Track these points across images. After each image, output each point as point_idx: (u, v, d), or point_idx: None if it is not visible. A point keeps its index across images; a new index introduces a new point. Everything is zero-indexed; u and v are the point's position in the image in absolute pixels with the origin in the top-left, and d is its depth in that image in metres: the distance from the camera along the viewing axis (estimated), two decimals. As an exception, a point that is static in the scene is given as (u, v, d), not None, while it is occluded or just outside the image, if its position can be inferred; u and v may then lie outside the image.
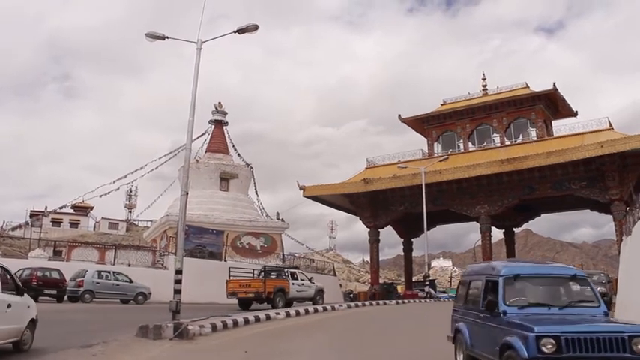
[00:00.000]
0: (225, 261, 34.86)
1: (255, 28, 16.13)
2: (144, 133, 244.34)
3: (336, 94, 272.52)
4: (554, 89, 41.92)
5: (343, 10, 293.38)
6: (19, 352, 8.92)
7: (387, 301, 30.87)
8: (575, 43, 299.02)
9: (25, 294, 9.46)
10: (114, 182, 46.91)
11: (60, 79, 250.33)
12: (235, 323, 14.84)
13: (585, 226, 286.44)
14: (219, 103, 50.57)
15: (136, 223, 76.92)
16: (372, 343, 12.32)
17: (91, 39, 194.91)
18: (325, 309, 22.23)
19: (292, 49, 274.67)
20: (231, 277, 23.95)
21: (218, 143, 49.66)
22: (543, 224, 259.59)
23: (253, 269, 25.41)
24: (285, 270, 25.57)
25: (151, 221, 60.55)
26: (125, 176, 47.73)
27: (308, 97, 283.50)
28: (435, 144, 47.32)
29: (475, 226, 43.91)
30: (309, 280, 26.29)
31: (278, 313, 18.07)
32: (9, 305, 8.29)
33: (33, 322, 9.47)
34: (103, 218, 73.59)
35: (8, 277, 8.84)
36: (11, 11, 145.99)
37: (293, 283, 24.48)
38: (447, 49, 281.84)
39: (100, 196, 46.59)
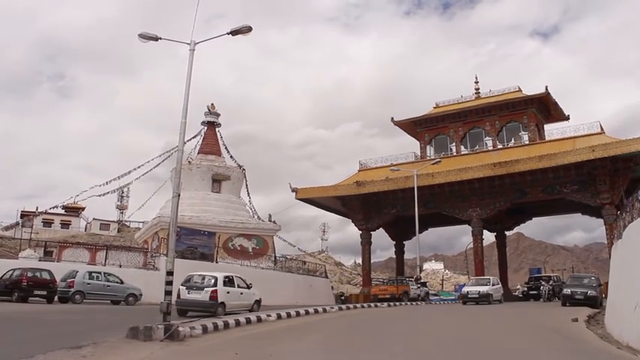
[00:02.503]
0: (216, 263, 34.82)
1: (249, 29, 16.13)
2: (137, 133, 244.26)
3: (330, 95, 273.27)
4: (547, 93, 42.14)
5: (339, 11, 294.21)
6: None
7: (379, 304, 30.85)
8: (570, 48, 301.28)
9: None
10: (106, 184, 46.80)
11: (54, 78, 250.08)
12: (226, 325, 14.79)
13: (576, 230, 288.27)
14: (212, 104, 50.47)
15: (127, 224, 76.63)
16: (363, 347, 12.31)
17: (85, 38, 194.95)
18: (316, 311, 22.20)
19: (287, 50, 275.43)
20: (373, 285, 39.94)
21: (210, 145, 49.56)
22: (535, 227, 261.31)
23: (389, 278, 41.30)
24: (406, 278, 37.94)
25: (142, 222, 60.32)
26: (118, 178, 47.61)
27: (302, 98, 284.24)
28: (428, 147, 47.44)
29: (467, 229, 44.08)
30: (424, 284, 38.72)
31: (269, 315, 18.01)
32: (241, 293, 20.24)
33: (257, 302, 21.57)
34: (94, 219, 73.34)
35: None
36: (3, 9, 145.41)
37: (412, 287, 35.10)
38: (442, 52, 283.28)
39: (92, 196, 46.38)
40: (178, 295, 19.04)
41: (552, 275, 42.35)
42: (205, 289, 19.42)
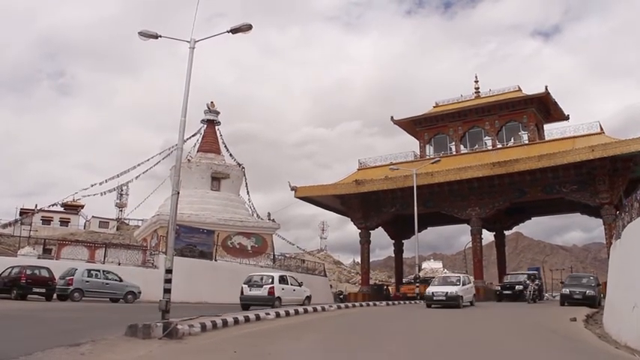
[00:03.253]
0: (215, 261, 34.83)
1: (249, 27, 16.09)
2: (137, 131, 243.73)
3: (330, 95, 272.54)
4: (547, 93, 42.14)
5: (340, 10, 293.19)
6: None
7: (377, 302, 30.87)
8: (571, 48, 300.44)
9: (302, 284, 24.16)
10: (105, 182, 46.64)
11: (54, 76, 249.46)
12: (225, 323, 14.80)
13: (575, 230, 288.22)
14: (212, 102, 50.48)
15: (126, 221, 76.67)
16: (362, 346, 12.32)
17: (85, 36, 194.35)
18: (315, 310, 22.21)
19: (287, 49, 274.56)
20: (404, 284, 44.22)
21: (210, 143, 49.56)
22: (534, 227, 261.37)
23: (415, 278, 38.26)
24: (430, 278, 36.77)
25: (141, 220, 60.40)
26: (117, 176, 47.49)
27: (302, 97, 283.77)
28: (427, 146, 47.44)
29: (466, 228, 44.10)
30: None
31: (268, 314, 18.03)
32: (294, 290, 24.46)
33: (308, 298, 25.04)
34: (93, 217, 73.38)
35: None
36: (4, 7, 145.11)
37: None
38: (443, 51, 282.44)
39: (90, 195, 46.29)
40: (242, 292, 23.30)
41: (532, 273, 36.35)
42: (264, 286, 23.17)
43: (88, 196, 46.54)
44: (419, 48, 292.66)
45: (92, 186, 46.02)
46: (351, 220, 47.02)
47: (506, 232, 55.62)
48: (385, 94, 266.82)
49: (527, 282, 31.52)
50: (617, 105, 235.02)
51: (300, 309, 20.85)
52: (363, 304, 29.22)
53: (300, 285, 25.67)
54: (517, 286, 33.14)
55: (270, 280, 23.40)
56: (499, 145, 43.47)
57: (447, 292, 24.63)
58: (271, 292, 22.67)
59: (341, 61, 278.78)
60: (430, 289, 25.49)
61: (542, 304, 29.51)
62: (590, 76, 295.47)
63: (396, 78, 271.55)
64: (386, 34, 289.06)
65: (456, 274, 31.23)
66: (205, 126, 50.02)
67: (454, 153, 45.27)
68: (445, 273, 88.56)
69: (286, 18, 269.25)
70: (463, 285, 25.82)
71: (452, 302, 24.30)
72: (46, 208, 52.65)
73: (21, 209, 64.61)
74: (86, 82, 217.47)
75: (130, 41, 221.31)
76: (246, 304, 22.54)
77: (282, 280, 24.17)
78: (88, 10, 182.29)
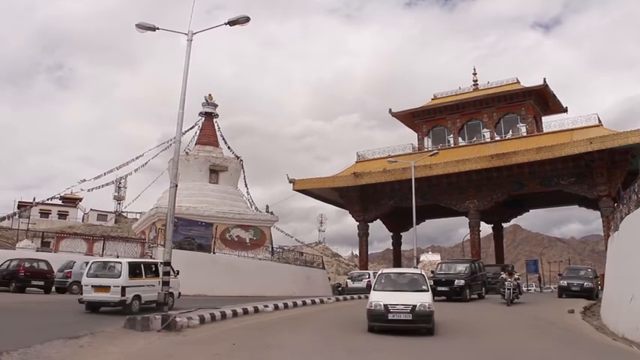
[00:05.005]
0: (214, 253, 34.82)
1: (247, 20, 16.03)
2: (136, 124, 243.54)
3: (329, 87, 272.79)
4: (545, 85, 42.07)
5: (341, 2, 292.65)
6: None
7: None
8: (571, 40, 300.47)
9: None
10: (104, 174, 46.43)
11: (53, 69, 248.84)
12: (223, 316, 14.83)
13: (573, 222, 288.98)
14: (210, 95, 50.29)
15: (124, 214, 76.60)
16: (361, 336, 12.35)
17: (84, 29, 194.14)
18: (314, 302, 22.27)
19: (287, 41, 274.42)
20: None
21: (208, 135, 49.43)
22: (532, 220, 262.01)
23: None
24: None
25: (140, 213, 60.26)
26: (116, 169, 47.27)
27: (301, 90, 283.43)
28: (425, 138, 47.37)
29: (464, 220, 44.12)
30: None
31: (266, 306, 18.07)
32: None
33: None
34: (91, 210, 73.22)
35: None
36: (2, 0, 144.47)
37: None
38: (443, 44, 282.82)
39: (89, 189, 46.10)
40: (346, 284, 34.33)
41: (476, 261, 28.96)
42: (363, 280, 31.95)
43: (85, 189, 46.21)
44: (419, 40, 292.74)
45: (89, 180, 45.84)
46: (350, 213, 47.01)
47: (505, 225, 55.61)
48: (384, 87, 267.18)
49: (503, 276, 24.21)
50: (615, 97, 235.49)
51: (299, 301, 20.91)
52: (362, 296, 29.24)
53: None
54: (457, 281, 25.10)
55: (367, 275, 32.83)
56: (497, 138, 43.41)
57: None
58: (369, 284, 26.87)
59: (340, 53, 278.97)
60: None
61: (520, 304, 22.54)
62: (590, 68, 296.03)
63: (395, 70, 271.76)
64: (386, 26, 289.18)
65: (364, 272, 36.34)
66: (203, 119, 49.87)
67: (452, 145, 45.20)
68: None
69: (286, 10, 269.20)
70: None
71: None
72: (44, 201, 52.48)
73: (19, 202, 64.46)
74: (85, 75, 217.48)
75: (129, 34, 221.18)
76: (349, 294, 29.62)
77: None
78: (87, 3, 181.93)
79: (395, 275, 15.02)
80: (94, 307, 16.09)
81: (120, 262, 16.58)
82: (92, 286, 16.04)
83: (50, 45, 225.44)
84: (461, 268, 26.53)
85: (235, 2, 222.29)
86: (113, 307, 15.88)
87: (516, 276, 23.71)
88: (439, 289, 24.37)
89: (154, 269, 17.42)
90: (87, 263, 24.94)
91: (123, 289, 15.56)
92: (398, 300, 12.86)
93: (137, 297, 16.12)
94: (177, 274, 18.81)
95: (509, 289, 22.08)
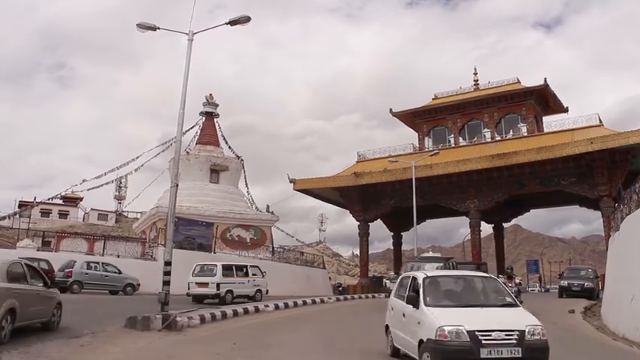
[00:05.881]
0: (214, 253, 34.83)
1: (247, 19, 15.99)
2: (136, 123, 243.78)
3: (330, 87, 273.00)
4: (545, 85, 42.06)
5: (342, 1, 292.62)
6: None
7: (376, 294, 30.96)
8: (572, 40, 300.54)
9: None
10: (105, 174, 46.44)
11: (54, 69, 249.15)
12: (224, 315, 14.85)
13: (574, 222, 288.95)
14: (210, 94, 50.34)
15: (125, 214, 76.58)
16: (359, 336, 12.36)
17: (86, 28, 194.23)
18: (314, 302, 22.28)
19: (288, 41, 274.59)
20: None
21: (209, 135, 49.46)
22: (533, 219, 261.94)
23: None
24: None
25: (140, 213, 60.28)
26: (116, 168, 47.30)
27: (302, 89, 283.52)
28: (426, 138, 47.36)
29: (465, 220, 44.09)
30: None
31: (267, 306, 18.08)
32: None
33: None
34: (92, 209, 73.20)
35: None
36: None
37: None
38: (444, 43, 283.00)
39: (89, 189, 46.12)
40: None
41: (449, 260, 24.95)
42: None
43: (86, 189, 46.24)
44: (420, 40, 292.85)
45: (90, 180, 45.86)
46: (350, 213, 47.01)
47: (505, 225, 55.63)
48: (385, 87, 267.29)
49: (502, 280, 17.22)
50: (616, 97, 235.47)
51: (300, 301, 20.91)
52: (362, 296, 29.27)
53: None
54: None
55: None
56: (498, 138, 43.39)
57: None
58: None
59: (341, 53, 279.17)
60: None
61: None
62: (591, 68, 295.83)
63: (396, 70, 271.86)
64: (387, 25, 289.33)
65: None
66: (204, 118, 49.91)
67: (453, 145, 45.19)
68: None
69: (287, 10, 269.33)
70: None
71: None
72: (45, 201, 52.48)
73: (20, 202, 64.42)
74: (86, 74, 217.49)
75: (130, 34, 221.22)
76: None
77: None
78: (88, 2, 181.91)
79: (453, 280, 9.75)
80: (198, 299, 20.83)
81: (216, 265, 21.78)
82: (196, 283, 21.21)
83: (51, 44, 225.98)
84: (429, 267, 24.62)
85: (236, 2, 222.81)
86: (212, 298, 20.68)
87: (517, 280, 19.19)
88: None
89: (244, 270, 22.63)
90: (88, 263, 25.15)
91: (217, 285, 20.58)
92: (488, 323, 7.58)
93: (230, 291, 20.99)
94: (264, 274, 23.45)
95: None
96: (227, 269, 21.68)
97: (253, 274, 22.62)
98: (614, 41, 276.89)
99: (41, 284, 10.87)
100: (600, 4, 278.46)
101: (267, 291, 23.14)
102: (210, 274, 21.14)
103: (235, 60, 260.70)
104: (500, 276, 19.79)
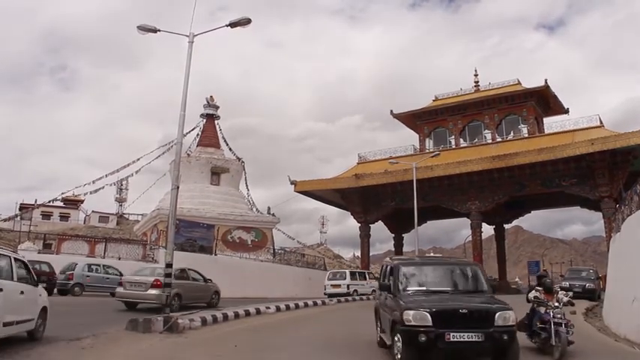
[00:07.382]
0: (215, 255, 34.86)
1: (248, 21, 16.00)
2: (138, 125, 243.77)
3: (332, 89, 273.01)
4: (546, 86, 42.06)
5: (344, 3, 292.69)
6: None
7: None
8: (575, 41, 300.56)
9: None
10: (105, 176, 46.40)
11: (56, 70, 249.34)
12: (225, 317, 14.84)
13: (575, 223, 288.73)
14: (211, 96, 50.37)
15: (126, 216, 76.63)
16: (359, 337, 12.35)
17: (88, 31, 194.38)
18: (315, 303, 22.27)
19: (290, 42, 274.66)
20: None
21: (209, 137, 49.50)
22: (533, 221, 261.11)
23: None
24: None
25: (141, 215, 60.35)
26: (117, 171, 47.27)
27: (304, 91, 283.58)
28: (427, 140, 47.36)
29: (466, 222, 44.04)
30: None
31: (268, 307, 18.07)
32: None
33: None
34: (93, 211, 73.22)
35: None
36: (6, 0, 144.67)
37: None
38: (446, 45, 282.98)
39: (90, 192, 46.05)
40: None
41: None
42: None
43: (88, 192, 46.20)
44: (422, 42, 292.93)
45: (93, 182, 45.82)
46: (351, 214, 47.00)
47: (506, 226, 55.63)
48: (388, 88, 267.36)
49: (536, 295, 11.06)
50: (618, 98, 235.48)
51: (301, 303, 20.91)
52: (363, 297, 29.25)
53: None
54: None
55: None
56: (499, 139, 43.38)
57: None
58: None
59: (344, 54, 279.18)
60: None
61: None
62: (594, 69, 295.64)
63: (399, 72, 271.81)
64: (390, 27, 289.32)
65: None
66: (205, 120, 49.94)
67: (454, 147, 45.18)
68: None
69: (290, 11, 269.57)
70: None
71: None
72: (45, 203, 52.49)
73: (21, 204, 64.46)
74: (88, 76, 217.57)
75: (132, 36, 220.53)
76: None
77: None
78: (91, 5, 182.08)
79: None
80: (333, 297, 26.61)
81: (345, 271, 32.19)
82: (331, 285, 29.43)
83: (54, 46, 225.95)
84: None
85: (239, 3, 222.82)
86: (343, 296, 27.49)
87: (564, 298, 11.19)
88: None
89: (365, 275, 31.82)
90: (89, 265, 25.13)
91: (347, 285, 28.91)
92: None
93: (355, 291, 28.82)
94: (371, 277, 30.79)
95: (558, 326, 10.30)
96: (352, 275, 30.94)
97: (370, 279, 30.66)
98: (617, 42, 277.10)
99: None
100: (603, 5, 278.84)
101: (355, 291, 29.19)
102: (342, 279, 29.85)
103: (238, 62, 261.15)
104: (538, 289, 11.45)
